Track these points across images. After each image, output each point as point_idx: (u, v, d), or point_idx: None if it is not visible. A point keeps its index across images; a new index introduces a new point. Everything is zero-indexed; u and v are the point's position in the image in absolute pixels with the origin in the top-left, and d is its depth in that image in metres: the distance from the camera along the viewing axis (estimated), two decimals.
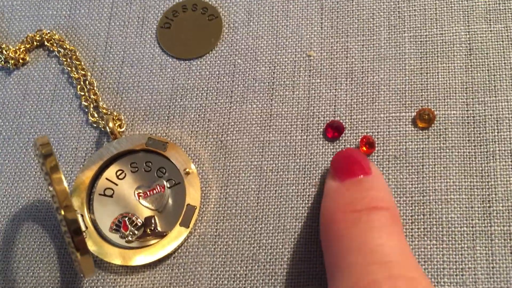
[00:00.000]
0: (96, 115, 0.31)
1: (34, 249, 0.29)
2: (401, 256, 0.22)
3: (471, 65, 0.30)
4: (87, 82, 0.32)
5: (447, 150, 0.29)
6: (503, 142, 0.29)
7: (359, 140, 0.29)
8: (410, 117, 0.30)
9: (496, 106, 0.29)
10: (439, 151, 0.29)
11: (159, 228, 0.28)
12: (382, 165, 0.29)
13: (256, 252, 0.28)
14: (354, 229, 0.23)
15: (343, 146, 0.29)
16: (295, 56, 0.32)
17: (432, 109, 0.29)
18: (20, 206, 0.30)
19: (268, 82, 0.31)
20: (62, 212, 0.24)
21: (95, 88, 0.32)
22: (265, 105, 0.31)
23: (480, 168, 0.28)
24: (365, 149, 0.29)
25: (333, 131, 0.29)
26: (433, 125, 0.29)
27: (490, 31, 0.31)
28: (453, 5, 0.32)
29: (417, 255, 0.27)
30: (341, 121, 0.30)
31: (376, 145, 0.29)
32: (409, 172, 0.28)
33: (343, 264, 0.23)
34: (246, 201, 0.29)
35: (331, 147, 0.29)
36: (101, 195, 0.29)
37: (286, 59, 0.32)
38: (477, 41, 0.31)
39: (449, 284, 0.26)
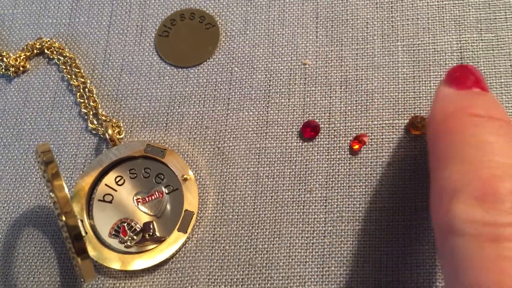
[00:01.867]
0: (95, 122, 0.32)
1: (35, 254, 0.30)
2: None
3: None
4: (86, 89, 0.33)
5: None
6: None
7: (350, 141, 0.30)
8: (403, 124, 0.30)
9: None
10: None
11: (157, 233, 0.29)
12: (375, 171, 0.29)
13: (253, 256, 0.29)
14: (474, 128, 0.22)
15: (321, 147, 0.30)
16: (291, 64, 0.32)
17: (425, 117, 0.30)
18: (21, 212, 0.31)
19: (264, 90, 0.32)
20: (63, 218, 0.24)
21: (94, 95, 0.33)
22: (261, 112, 0.32)
23: None
24: (357, 147, 0.29)
25: (310, 130, 0.30)
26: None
27: (481, 40, 0.32)
28: (445, 15, 0.32)
29: (411, 260, 0.28)
30: (319, 123, 0.30)
31: (370, 151, 0.30)
32: (403, 178, 0.29)
33: (459, 155, 0.21)
34: (243, 206, 0.30)
35: (326, 153, 0.30)
36: (100, 201, 0.30)
37: (282, 67, 0.32)
38: (468, 50, 0.31)
39: None
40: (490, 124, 0.22)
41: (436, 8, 0.33)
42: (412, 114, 0.30)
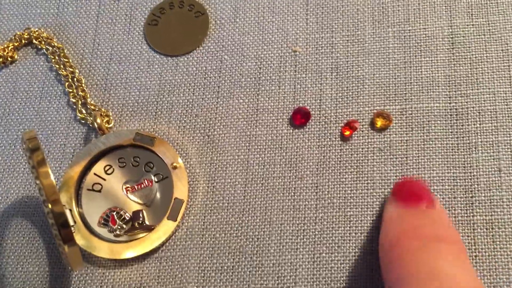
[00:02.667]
0: (84, 111, 0.32)
1: (23, 244, 0.29)
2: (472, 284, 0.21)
3: (453, 59, 0.31)
4: (75, 79, 0.33)
5: (431, 142, 0.29)
6: (485, 134, 0.29)
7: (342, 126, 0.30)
8: (394, 110, 0.30)
9: (478, 98, 0.30)
10: (422, 143, 0.29)
11: (147, 222, 0.29)
12: (367, 158, 0.29)
13: (243, 244, 0.28)
14: (423, 254, 0.22)
15: (312, 134, 0.30)
16: (281, 51, 0.32)
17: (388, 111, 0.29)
18: (9, 202, 0.30)
19: (255, 78, 0.32)
20: (49, 206, 0.24)
21: (83, 85, 0.32)
22: (251, 100, 0.31)
23: (463, 159, 0.29)
24: (348, 133, 0.29)
25: (301, 117, 0.30)
26: (393, 124, 0.29)
27: (472, 25, 0.31)
28: (435, 0, 0.32)
29: None
30: (310, 110, 0.30)
31: (361, 137, 0.30)
32: (393, 164, 0.29)
33: (410, 282, 0.21)
34: (233, 194, 0.29)
35: (317, 140, 0.30)
36: (89, 190, 0.30)
37: (272, 54, 0.32)
38: (459, 35, 0.31)
39: None
40: (441, 248, 0.22)
41: None
42: (403, 100, 0.30)
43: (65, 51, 0.33)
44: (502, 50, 0.31)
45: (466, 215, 0.28)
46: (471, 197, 0.28)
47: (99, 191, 0.30)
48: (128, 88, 0.32)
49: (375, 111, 0.29)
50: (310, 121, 0.30)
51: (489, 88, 0.30)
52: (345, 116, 0.30)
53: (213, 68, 0.32)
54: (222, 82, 0.32)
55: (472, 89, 0.30)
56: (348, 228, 0.28)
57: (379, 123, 0.29)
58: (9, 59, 0.34)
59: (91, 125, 0.31)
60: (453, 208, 0.28)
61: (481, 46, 0.31)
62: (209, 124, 0.31)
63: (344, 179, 0.29)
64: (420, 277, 0.21)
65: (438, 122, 0.29)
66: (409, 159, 0.29)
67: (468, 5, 0.32)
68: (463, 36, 0.31)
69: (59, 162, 0.31)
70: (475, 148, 0.29)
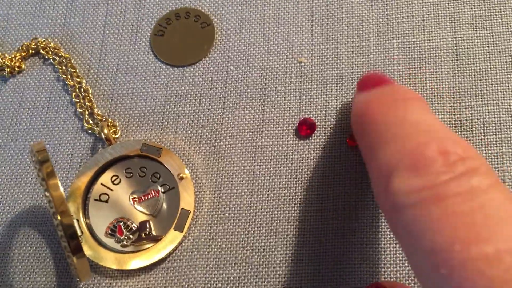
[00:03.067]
0: (91, 121, 0.32)
1: (31, 254, 0.30)
2: (445, 128, 0.22)
3: (458, 70, 0.31)
4: (82, 89, 0.33)
5: None
6: (489, 146, 0.29)
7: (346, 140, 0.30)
8: None
9: (482, 110, 0.30)
10: None
11: (153, 232, 0.29)
12: None
13: (249, 255, 0.28)
14: (393, 110, 0.23)
15: (318, 145, 0.30)
16: (287, 62, 0.32)
17: None
18: (16, 212, 0.31)
19: (260, 88, 0.32)
20: (59, 217, 0.24)
21: (90, 95, 0.33)
22: (257, 110, 0.32)
23: None
24: (353, 144, 0.29)
25: (307, 128, 0.30)
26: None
27: (476, 36, 0.32)
28: (440, 12, 0.32)
29: (396, 256, 0.27)
30: (316, 121, 0.31)
31: None
32: None
33: (385, 138, 0.22)
34: (239, 205, 0.29)
35: (322, 151, 0.30)
36: (96, 201, 0.30)
37: (278, 65, 0.32)
38: (463, 47, 0.31)
39: None
40: (407, 103, 0.23)
41: (431, 6, 0.33)
42: None
43: (72, 61, 0.34)
44: (506, 62, 0.31)
45: None
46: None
47: (106, 201, 0.30)
48: (135, 98, 0.33)
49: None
50: (316, 132, 0.31)
51: (493, 100, 0.30)
52: (350, 127, 0.30)
53: (219, 79, 0.32)
54: (228, 92, 0.32)
55: (476, 101, 0.30)
56: (353, 239, 0.28)
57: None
58: (16, 69, 0.34)
59: (98, 135, 0.32)
60: None
61: (485, 58, 0.31)
62: (215, 134, 0.31)
63: (349, 190, 0.29)
64: (395, 126, 0.22)
65: None
66: None
67: (472, 17, 0.32)
68: (467, 48, 0.31)
69: (66, 172, 0.31)
70: None
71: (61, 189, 0.24)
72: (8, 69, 0.34)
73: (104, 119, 0.32)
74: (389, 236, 0.28)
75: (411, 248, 0.19)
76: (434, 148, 0.20)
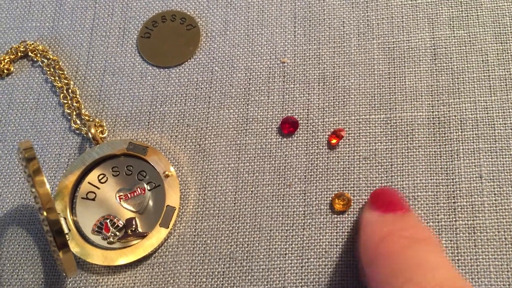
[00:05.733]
0: (78, 122, 0.33)
1: (19, 252, 0.30)
2: (459, 279, 0.23)
3: (436, 69, 0.32)
4: (70, 90, 0.33)
5: (414, 150, 0.30)
6: (466, 142, 0.30)
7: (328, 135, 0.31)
8: (379, 119, 0.31)
9: (459, 107, 0.31)
10: (406, 151, 0.30)
11: (139, 229, 0.29)
12: (353, 165, 0.30)
13: (234, 250, 0.29)
14: (410, 251, 0.23)
15: (300, 143, 0.31)
16: (270, 63, 0.33)
17: (348, 195, 0.30)
18: (5, 211, 0.31)
19: (244, 88, 0.33)
20: (45, 213, 0.25)
21: (77, 96, 0.33)
22: (241, 109, 0.32)
23: (445, 166, 0.30)
24: (334, 141, 0.30)
25: (289, 126, 0.31)
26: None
27: (454, 37, 0.33)
28: (418, 13, 0.33)
29: None
30: (298, 119, 0.31)
31: (347, 146, 0.31)
32: (379, 172, 0.30)
33: (404, 276, 0.22)
34: (224, 201, 0.30)
35: (305, 148, 0.31)
36: (83, 199, 0.30)
37: (261, 65, 0.33)
38: (441, 47, 0.32)
39: None
40: (423, 245, 0.24)
41: (410, 7, 0.34)
42: (388, 109, 0.31)
43: (60, 63, 0.34)
44: (482, 60, 0.32)
45: (448, 220, 0.29)
46: (454, 202, 0.29)
47: (93, 199, 0.30)
48: (122, 99, 0.33)
49: (336, 192, 0.30)
50: (298, 130, 0.31)
51: (470, 98, 0.31)
52: (332, 125, 0.31)
53: (204, 79, 0.33)
54: (213, 92, 0.33)
55: (454, 99, 0.31)
56: (335, 233, 0.29)
57: (337, 206, 0.29)
58: (5, 71, 0.34)
59: (85, 135, 0.32)
60: (436, 214, 0.29)
61: (462, 57, 0.32)
62: (200, 133, 0.32)
63: (331, 186, 0.30)
64: (411, 270, 0.22)
65: (421, 130, 0.31)
66: (394, 167, 0.30)
67: (450, 18, 0.33)
68: (445, 48, 0.32)
69: (54, 171, 0.32)
70: (457, 155, 0.30)
71: (47, 186, 0.25)
72: None
73: (91, 119, 0.32)
74: None
75: None
76: None
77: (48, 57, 0.34)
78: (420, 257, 0.23)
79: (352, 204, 0.29)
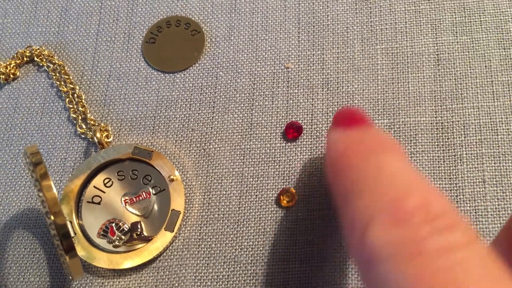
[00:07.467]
0: (84, 126, 0.33)
1: (25, 255, 0.30)
2: (423, 181, 0.21)
3: (439, 75, 0.32)
4: (75, 95, 0.34)
5: (417, 155, 0.30)
6: (469, 147, 0.30)
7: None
8: (382, 124, 0.31)
9: (462, 113, 0.31)
10: (409, 156, 0.30)
11: (145, 233, 0.30)
12: None
13: (238, 254, 0.29)
14: (370, 160, 0.22)
15: (304, 147, 0.31)
16: (274, 68, 0.33)
17: (293, 190, 0.30)
18: (11, 215, 0.31)
19: (249, 93, 0.33)
20: (52, 217, 0.25)
21: (83, 100, 0.34)
22: (246, 114, 0.32)
23: (449, 171, 0.30)
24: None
25: (294, 131, 0.31)
26: None
27: (457, 42, 0.33)
28: (421, 19, 0.34)
29: None
30: (302, 124, 0.32)
31: None
32: None
33: (361, 187, 0.21)
34: (228, 205, 0.30)
35: (309, 153, 0.31)
36: (89, 203, 0.31)
37: (266, 71, 0.33)
38: (444, 52, 0.33)
39: None
40: (385, 154, 0.23)
41: (413, 13, 0.34)
42: (391, 114, 0.31)
43: (66, 68, 0.35)
44: (485, 66, 0.32)
45: None
46: (457, 207, 0.29)
47: (99, 203, 0.31)
48: (127, 103, 0.33)
49: (280, 189, 0.30)
50: (302, 135, 0.32)
51: (473, 103, 0.31)
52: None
53: (208, 84, 0.33)
54: (218, 97, 0.33)
55: (457, 104, 0.31)
56: (338, 238, 0.29)
57: (284, 201, 0.30)
58: (11, 76, 0.35)
59: (91, 140, 0.32)
60: None
61: (465, 63, 0.32)
62: (205, 138, 0.32)
63: None
64: (368, 180, 0.21)
65: (425, 135, 0.31)
66: None
67: (453, 24, 0.33)
68: (448, 53, 0.33)
69: (59, 175, 0.32)
70: (460, 160, 0.30)
71: (54, 190, 0.25)
72: (3, 76, 0.35)
73: (97, 124, 0.33)
74: None
75: None
76: (414, 201, 0.19)
77: (53, 62, 0.35)
78: (380, 164, 0.22)
79: None
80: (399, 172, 0.21)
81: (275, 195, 0.30)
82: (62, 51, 0.35)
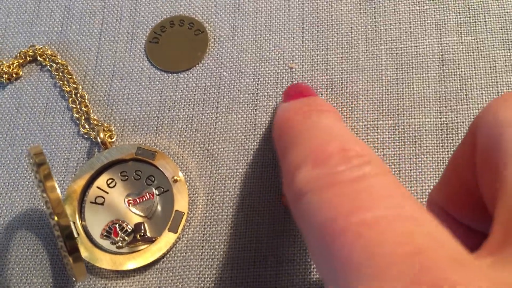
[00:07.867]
0: (87, 126, 0.33)
1: (28, 256, 0.30)
2: (349, 133, 0.24)
3: (443, 75, 0.32)
4: (78, 95, 0.34)
5: (422, 156, 0.30)
6: None
7: None
8: (387, 125, 0.31)
9: (467, 113, 0.31)
10: (414, 157, 0.30)
11: (148, 234, 0.30)
12: None
13: (242, 255, 0.29)
14: (307, 118, 0.25)
15: None
16: (278, 68, 0.33)
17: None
18: (14, 215, 0.31)
19: (252, 93, 0.33)
20: (56, 218, 0.25)
21: (86, 100, 0.33)
22: (249, 115, 0.32)
23: None
24: None
25: None
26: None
27: (461, 43, 0.33)
28: (426, 19, 0.33)
29: None
30: None
31: None
32: None
33: (296, 140, 0.23)
34: (232, 206, 0.30)
35: None
36: (92, 203, 0.31)
37: (269, 71, 0.33)
38: (449, 53, 0.32)
39: None
40: (321, 113, 0.25)
41: (418, 13, 0.34)
42: (397, 115, 0.31)
43: (69, 67, 0.35)
44: (490, 67, 0.32)
45: None
46: None
47: (102, 204, 0.31)
48: (130, 103, 0.33)
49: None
50: None
51: (478, 104, 0.31)
52: None
53: (212, 84, 0.33)
54: (221, 97, 0.33)
55: (461, 105, 0.31)
56: None
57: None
58: (14, 75, 0.35)
59: (94, 140, 0.32)
60: None
61: (470, 63, 0.32)
62: (208, 138, 0.32)
63: None
64: (301, 134, 0.23)
65: (429, 136, 0.31)
66: (402, 172, 0.30)
67: (457, 24, 0.33)
68: (453, 54, 0.32)
69: (62, 176, 0.32)
70: None
71: (58, 191, 0.25)
72: (6, 76, 0.34)
73: (100, 124, 0.33)
74: None
75: (307, 232, 0.20)
76: (335, 146, 0.21)
77: (56, 61, 0.35)
78: (314, 122, 0.24)
79: None
80: (330, 126, 0.24)
81: (279, 195, 0.30)
82: (65, 51, 0.35)
